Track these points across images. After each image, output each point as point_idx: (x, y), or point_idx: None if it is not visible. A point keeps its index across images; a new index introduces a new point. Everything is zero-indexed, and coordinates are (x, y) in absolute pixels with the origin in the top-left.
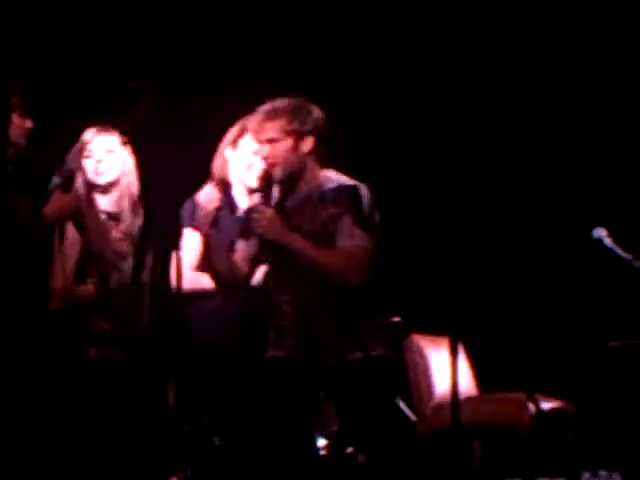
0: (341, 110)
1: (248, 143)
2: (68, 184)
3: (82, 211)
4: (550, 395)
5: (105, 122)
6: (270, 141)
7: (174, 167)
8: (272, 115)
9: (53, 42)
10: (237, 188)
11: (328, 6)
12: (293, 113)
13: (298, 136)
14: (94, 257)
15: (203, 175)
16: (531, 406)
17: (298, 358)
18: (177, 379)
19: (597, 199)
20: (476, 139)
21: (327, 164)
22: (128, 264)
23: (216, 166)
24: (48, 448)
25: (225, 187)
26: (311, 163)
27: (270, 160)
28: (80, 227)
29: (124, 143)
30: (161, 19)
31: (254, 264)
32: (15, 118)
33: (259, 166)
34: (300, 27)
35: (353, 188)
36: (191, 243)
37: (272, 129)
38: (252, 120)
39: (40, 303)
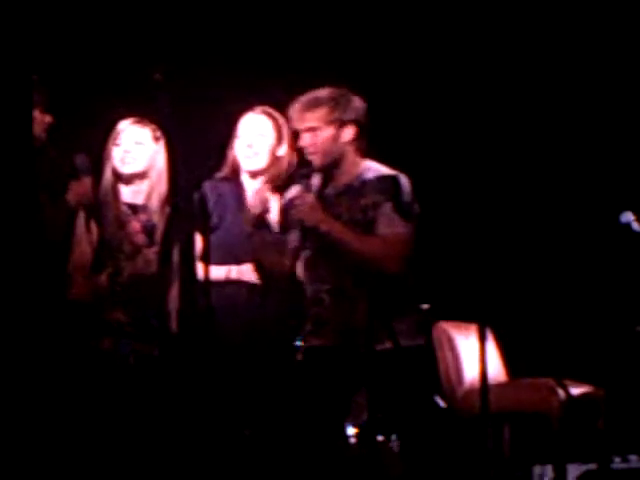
0: (380, 101)
1: (243, 127)
2: (78, 172)
3: (102, 200)
4: (579, 380)
5: (141, 114)
6: (311, 130)
7: (195, 157)
8: (313, 104)
9: (71, 36)
10: (242, 174)
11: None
12: (334, 102)
13: (339, 125)
14: (110, 248)
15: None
16: (561, 392)
17: (336, 347)
18: (208, 373)
19: (625, 183)
20: (502, 127)
21: (366, 154)
22: (144, 256)
23: (229, 153)
24: (54, 447)
25: (236, 174)
26: (351, 152)
27: (311, 149)
28: (97, 217)
29: (156, 138)
30: (177, 11)
31: (296, 255)
32: (36, 114)
33: (250, 149)
34: (335, 19)
35: (394, 178)
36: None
37: (313, 118)
38: (292, 109)
39: (58, 291)
